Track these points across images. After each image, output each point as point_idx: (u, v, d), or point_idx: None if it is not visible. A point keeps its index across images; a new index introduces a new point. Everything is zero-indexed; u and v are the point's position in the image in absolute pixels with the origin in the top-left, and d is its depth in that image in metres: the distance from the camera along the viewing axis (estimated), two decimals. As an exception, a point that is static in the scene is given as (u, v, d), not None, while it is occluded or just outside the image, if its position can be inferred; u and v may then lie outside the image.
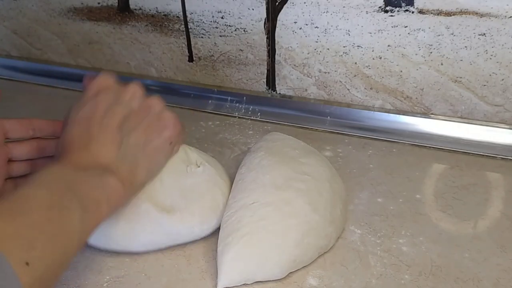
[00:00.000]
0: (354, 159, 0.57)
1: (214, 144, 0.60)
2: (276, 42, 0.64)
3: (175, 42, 0.71)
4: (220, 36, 0.67)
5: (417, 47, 0.58)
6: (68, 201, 0.32)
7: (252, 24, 0.64)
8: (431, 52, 0.58)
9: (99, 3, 0.72)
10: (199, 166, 0.45)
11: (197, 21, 0.67)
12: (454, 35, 0.56)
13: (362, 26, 0.59)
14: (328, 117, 0.64)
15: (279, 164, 0.44)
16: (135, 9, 0.71)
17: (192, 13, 0.67)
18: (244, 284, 0.39)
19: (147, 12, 0.70)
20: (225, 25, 0.66)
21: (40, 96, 0.74)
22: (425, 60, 0.58)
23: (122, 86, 0.42)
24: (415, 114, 0.62)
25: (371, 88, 0.63)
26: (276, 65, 0.66)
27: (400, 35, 0.58)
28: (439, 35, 0.56)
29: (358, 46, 0.60)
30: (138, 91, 0.42)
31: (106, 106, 0.39)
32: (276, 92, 0.69)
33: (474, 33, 0.55)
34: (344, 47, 0.61)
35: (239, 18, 0.64)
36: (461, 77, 0.58)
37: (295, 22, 0.62)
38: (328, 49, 0.62)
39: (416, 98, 0.62)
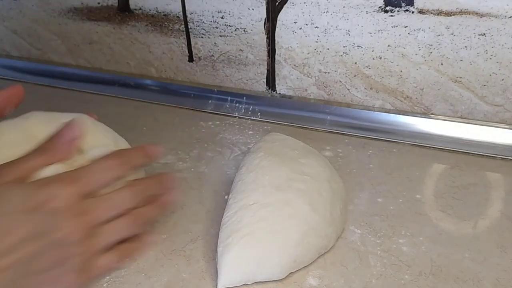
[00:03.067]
0: (354, 159, 0.57)
1: (214, 144, 0.60)
2: (276, 42, 0.64)
3: (175, 42, 0.71)
4: (220, 36, 0.67)
5: (417, 47, 0.58)
6: None
7: (252, 24, 0.64)
8: (431, 52, 0.58)
9: (99, 3, 0.72)
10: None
11: (197, 21, 0.68)
12: (454, 35, 0.56)
13: (362, 26, 0.59)
14: (328, 117, 0.64)
15: (279, 165, 0.44)
16: (135, 9, 0.71)
17: (192, 13, 0.67)
18: (244, 284, 0.39)
19: (147, 12, 0.70)
20: (225, 25, 0.66)
21: (40, 96, 0.74)
22: (425, 60, 0.58)
23: (68, 216, 0.32)
24: (415, 114, 0.62)
25: (371, 88, 0.63)
26: (276, 65, 0.66)
27: (400, 35, 0.58)
28: (439, 35, 0.56)
29: (358, 46, 0.60)
30: (73, 234, 0.32)
31: (29, 234, 0.31)
32: (276, 92, 0.69)
33: (474, 33, 0.55)
34: (344, 47, 0.61)
35: (239, 18, 0.64)
36: (461, 77, 0.58)
37: (295, 22, 0.62)
38: (328, 49, 0.62)
39: (416, 98, 0.62)
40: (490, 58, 0.56)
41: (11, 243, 0.30)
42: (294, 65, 0.65)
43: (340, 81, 0.64)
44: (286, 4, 0.61)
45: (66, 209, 0.32)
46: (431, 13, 0.55)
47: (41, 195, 0.32)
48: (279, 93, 0.69)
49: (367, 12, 0.58)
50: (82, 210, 0.33)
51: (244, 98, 0.68)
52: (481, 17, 0.54)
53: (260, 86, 0.69)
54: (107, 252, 0.36)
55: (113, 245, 0.36)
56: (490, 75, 0.57)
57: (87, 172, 0.34)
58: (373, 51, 0.60)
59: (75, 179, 0.33)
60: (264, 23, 0.64)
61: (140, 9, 0.70)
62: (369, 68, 0.62)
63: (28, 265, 0.31)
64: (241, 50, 0.67)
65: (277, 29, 0.63)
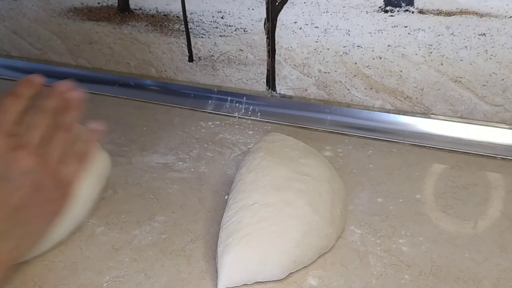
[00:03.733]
0: (354, 159, 0.57)
1: (214, 144, 0.60)
2: (276, 42, 0.64)
3: (175, 42, 0.71)
4: (220, 36, 0.67)
5: (417, 47, 0.58)
6: None
7: (252, 24, 0.64)
8: (431, 52, 0.58)
9: (99, 3, 0.72)
10: None
11: (197, 21, 0.68)
12: (454, 35, 0.56)
13: (362, 26, 0.59)
14: (328, 117, 0.64)
15: (279, 165, 0.44)
16: (135, 9, 0.71)
17: (192, 13, 0.67)
18: (244, 284, 0.39)
19: (147, 12, 0.70)
20: (225, 25, 0.66)
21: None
22: (425, 60, 0.58)
23: (9, 150, 0.36)
24: (415, 114, 0.62)
25: (371, 88, 0.63)
26: (276, 65, 0.66)
27: (400, 35, 0.58)
28: (439, 35, 0.56)
29: (358, 46, 0.60)
30: (25, 160, 0.36)
31: None
32: (276, 92, 0.69)
33: (474, 33, 0.55)
34: (344, 47, 0.61)
35: (239, 18, 0.64)
36: (461, 77, 0.58)
37: (295, 22, 0.62)
38: (328, 49, 0.62)
39: (416, 98, 0.62)
40: (490, 58, 0.56)
41: None
42: (294, 65, 0.65)
43: (340, 81, 0.64)
44: (286, 4, 0.61)
45: (4, 147, 0.36)
46: (431, 13, 0.55)
47: None
48: (279, 93, 0.69)
49: (367, 12, 0.58)
50: (19, 143, 0.37)
51: (244, 98, 0.68)
52: (481, 17, 0.54)
53: (260, 86, 0.69)
54: (65, 162, 0.40)
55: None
56: (490, 75, 0.57)
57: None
58: (373, 51, 0.60)
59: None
60: (264, 23, 0.64)
61: (140, 9, 0.70)
62: (369, 68, 0.62)
63: (7, 205, 0.35)
64: (241, 50, 0.67)
65: (277, 29, 0.63)
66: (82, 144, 0.42)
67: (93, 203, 0.46)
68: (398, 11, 0.56)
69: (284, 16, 0.62)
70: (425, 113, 0.62)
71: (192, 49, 0.70)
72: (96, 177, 0.46)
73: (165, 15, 0.69)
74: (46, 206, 0.38)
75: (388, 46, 0.59)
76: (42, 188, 0.37)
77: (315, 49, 0.63)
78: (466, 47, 0.56)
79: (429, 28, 0.56)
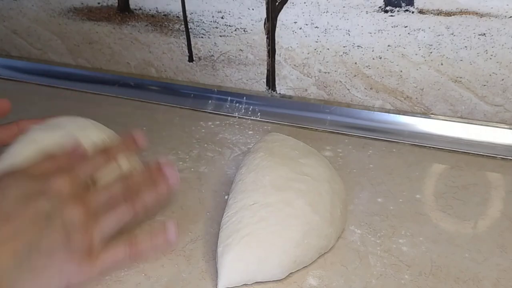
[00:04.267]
0: (354, 159, 0.57)
1: (214, 144, 0.60)
2: (276, 42, 0.64)
3: (175, 42, 0.71)
4: (220, 36, 0.67)
5: (417, 47, 0.58)
6: None
7: (252, 24, 0.64)
8: (431, 52, 0.58)
9: (99, 3, 0.72)
10: None
11: (197, 21, 0.68)
12: (454, 35, 0.56)
13: (362, 26, 0.59)
14: (328, 117, 0.64)
15: (279, 165, 0.44)
16: (135, 9, 0.71)
17: (192, 13, 0.67)
18: (244, 284, 0.39)
19: (147, 12, 0.70)
20: (225, 25, 0.66)
21: (40, 96, 0.74)
22: (425, 60, 0.58)
23: (69, 201, 0.35)
24: (415, 114, 0.62)
25: (371, 88, 0.63)
26: (276, 65, 0.66)
27: (400, 35, 0.58)
28: (439, 35, 0.56)
29: (358, 46, 0.60)
30: (76, 215, 0.35)
31: (34, 218, 0.33)
32: (276, 92, 0.69)
33: (474, 33, 0.55)
34: (344, 47, 0.61)
35: (239, 18, 0.64)
36: (461, 77, 0.58)
37: (295, 22, 0.62)
38: (328, 49, 0.62)
39: (416, 98, 0.62)
40: (490, 58, 0.56)
41: (19, 225, 0.33)
42: (294, 65, 0.65)
43: (340, 81, 0.64)
44: (286, 4, 0.61)
45: (66, 194, 0.35)
46: (431, 13, 0.55)
47: (41, 182, 0.35)
48: (279, 93, 0.69)
49: (367, 12, 0.58)
50: (80, 195, 0.36)
51: (244, 98, 0.68)
52: (481, 17, 0.54)
53: (260, 86, 0.69)
54: (112, 242, 0.37)
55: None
56: (490, 75, 0.57)
57: (78, 164, 0.38)
58: (373, 51, 0.60)
59: (68, 169, 0.37)
60: (264, 23, 0.64)
61: (140, 9, 0.70)
62: (369, 68, 0.62)
63: (35, 245, 0.33)
64: (241, 50, 0.67)
65: (277, 29, 0.63)
66: (142, 243, 0.38)
67: None
68: (398, 11, 0.56)
69: (284, 16, 0.62)
70: (425, 113, 0.62)
71: (192, 49, 0.70)
72: None
73: (165, 15, 0.69)
74: (60, 267, 0.35)
75: (388, 46, 0.59)
76: (69, 250, 0.35)
77: (315, 49, 0.63)
78: (466, 47, 0.56)
79: (429, 28, 0.56)
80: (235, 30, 0.66)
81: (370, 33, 0.59)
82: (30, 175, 0.36)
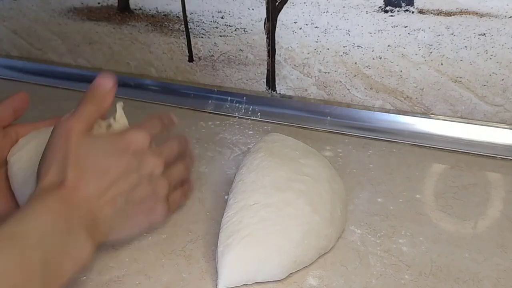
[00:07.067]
0: (354, 159, 0.57)
1: (214, 144, 0.60)
2: (276, 42, 0.64)
3: (175, 42, 0.71)
4: (220, 36, 0.67)
5: (417, 47, 0.58)
6: (33, 267, 0.31)
7: (252, 24, 0.64)
8: (431, 52, 0.58)
9: (99, 3, 0.72)
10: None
11: (197, 21, 0.68)
12: (454, 35, 0.56)
13: (362, 26, 0.59)
14: (328, 117, 0.64)
15: (279, 165, 0.44)
16: (135, 9, 0.71)
17: (192, 13, 0.67)
18: (244, 284, 0.39)
19: (147, 12, 0.70)
20: (225, 25, 0.66)
21: (40, 96, 0.74)
22: (425, 60, 0.58)
23: (149, 154, 0.40)
24: (415, 114, 0.62)
25: (371, 88, 0.63)
26: (276, 65, 0.66)
27: (400, 35, 0.58)
28: (439, 35, 0.56)
29: (358, 46, 0.60)
30: (158, 166, 0.41)
31: (125, 170, 0.38)
32: (276, 92, 0.69)
33: (474, 33, 0.55)
34: (344, 47, 0.61)
35: (239, 18, 0.64)
36: (461, 77, 0.58)
37: (295, 22, 0.62)
38: (328, 49, 0.62)
39: (416, 98, 0.62)
40: (490, 58, 0.56)
41: (112, 179, 0.37)
42: (294, 65, 0.65)
43: (340, 81, 0.64)
44: (286, 4, 0.61)
45: (147, 150, 0.40)
46: (431, 13, 0.55)
47: (123, 141, 0.39)
48: (279, 93, 0.69)
49: (367, 12, 0.58)
50: (156, 151, 0.42)
51: (244, 98, 0.68)
52: (481, 17, 0.54)
53: (260, 86, 0.69)
54: (175, 190, 0.45)
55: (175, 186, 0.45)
56: (490, 75, 0.57)
57: (146, 125, 0.42)
58: (373, 51, 0.60)
59: (142, 128, 0.41)
60: (264, 23, 0.64)
61: (140, 9, 0.70)
62: (369, 68, 0.62)
63: (128, 196, 0.38)
64: (241, 50, 0.67)
65: (277, 29, 0.63)
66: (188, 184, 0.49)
67: None
68: (398, 11, 0.56)
69: (284, 16, 0.62)
70: (425, 113, 0.62)
71: (192, 49, 0.70)
72: None
73: (165, 15, 0.69)
74: (149, 213, 0.41)
75: (388, 46, 0.59)
76: (155, 197, 0.41)
77: (315, 49, 0.63)
78: (466, 47, 0.56)
79: (429, 28, 0.56)
80: (235, 30, 0.66)
81: (370, 33, 0.59)
82: (107, 135, 0.41)
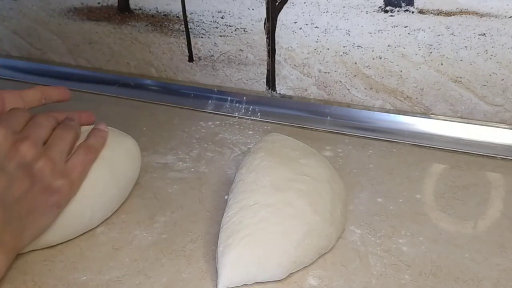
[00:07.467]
0: (354, 159, 0.57)
1: (214, 144, 0.60)
2: (276, 42, 0.64)
3: (175, 42, 0.71)
4: (220, 36, 0.67)
5: (417, 47, 0.58)
6: None
7: (252, 24, 0.64)
8: (431, 52, 0.58)
9: (99, 3, 0.72)
10: None
11: (197, 21, 0.68)
12: (454, 35, 0.56)
13: (362, 26, 0.59)
14: (328, 117, 0.64)
15: (279, 165, 0.44)
16: (135, 9, 0.71)
17: (192, 13, 0.67)
18: (244, 284, 0.39)
19: (147, 12, 0.70)
20: (225, 25, 0.66)
21: (40, 96, 0.74)
22: (425, 60, 0.58)
23: (9, 146, 0.37)
24: (415, 114, 0.62)
25: (371, 88, 0.63)
26: (276, 65, 0.66)
27: (400, 35, 0.58)
28: (439, 35, 0.56)
29: (358, 46, 0.60)
30: (27, 151, 0.38)
31: None
32: (276, 92, 0.69)
33: (474, 33, 0.55)
34: (344, 47, 0.61)
35: (239, 18, 0.64)
36: (461, 77, 0.58)
37: (295, 22, 0.62)
38: (328, 49, 0.62)
39: (416, 98, 0.62)
40: (490, 58, 0.56)
41: None
42: (294, 65, 0.65)
43: (340, 81, 0.64)
44: (286, 4, 0.61)
45: (5, 143, 0.37)
46: (431, 13, 0.55)
47: None
48: (279, 93, 0.69)
49: (367, 12, 0.58)
50: (21, 137, 0.39)
51: (244, 98, 0.68)
52: (481, 17, 0.54)
53: (260, 86, 0.69)
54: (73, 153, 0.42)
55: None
56: (490, 75, 0.57)
57: (9, 117, 0.40)
58: (373, 51, 0.60)
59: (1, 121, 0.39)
60: (264, 23, 0.64)
61: (140, 9, 0.70)
62: (369, 68, 0.62)
63: (6, 197, 0.35)
64: (241, 50, 0.67)
65: (277, 29, 0.63)
66: (90, 139, 0.44)
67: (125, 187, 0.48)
68: (398, 11, 0.56)
69: (284, 16, 0.62)
70: (425, 113, 0.62)
71: (192, 49, 0.70)
72: (121, 163, 0.47)
73: (165, 15, 0.69)
74: (49, 196, 0.39)
75: (388, 46, 0.59)
76: (42, 178, 0.38)
77: (315, 49, 0.63)
78: (466, 47, 0.56)
79: (429, 28, 0.56)
80: (235, 30, 0.66)
81: (370, 33, 0.59)
82: None
